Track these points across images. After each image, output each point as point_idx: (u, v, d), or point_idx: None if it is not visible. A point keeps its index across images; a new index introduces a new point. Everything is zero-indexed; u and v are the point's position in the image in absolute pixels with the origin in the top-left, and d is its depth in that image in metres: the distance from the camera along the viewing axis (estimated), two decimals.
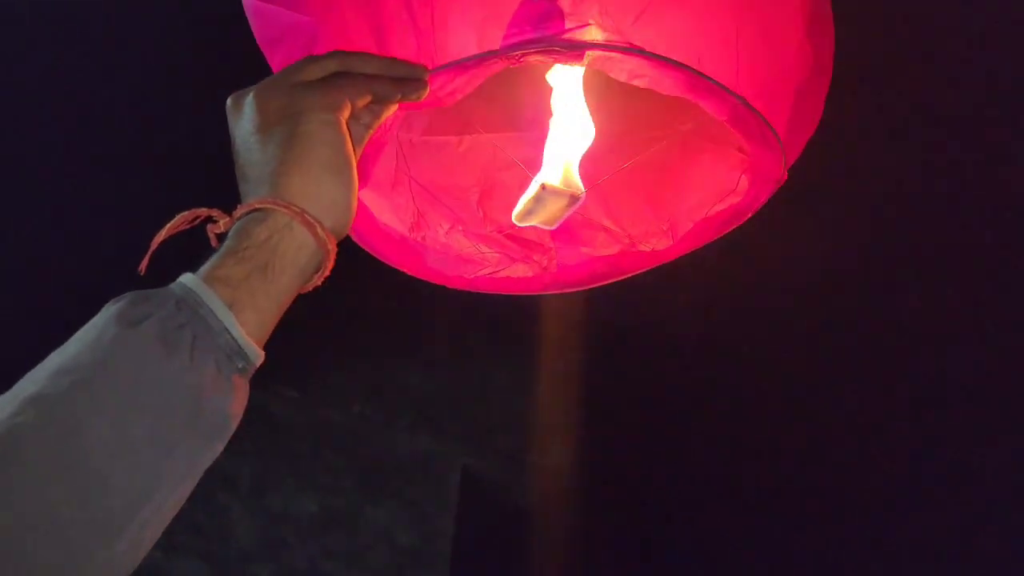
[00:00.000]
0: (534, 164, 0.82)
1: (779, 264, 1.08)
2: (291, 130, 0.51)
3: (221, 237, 0.51)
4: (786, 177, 0.69)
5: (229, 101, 0.54)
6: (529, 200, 0.66)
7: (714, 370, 1.27)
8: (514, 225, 0.81)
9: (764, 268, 1.11)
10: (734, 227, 0.73)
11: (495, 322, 1.65)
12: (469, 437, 1.85)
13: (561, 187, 0.66)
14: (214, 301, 0.46)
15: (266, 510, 1.82)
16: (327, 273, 0.53)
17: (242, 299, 0.47)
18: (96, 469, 0.41)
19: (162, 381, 0.43)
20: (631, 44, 0.54)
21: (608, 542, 1.54)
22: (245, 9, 0.65)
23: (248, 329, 0.47)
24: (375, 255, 0.73)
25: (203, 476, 0.47)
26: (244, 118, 0.53)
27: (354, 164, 0.54)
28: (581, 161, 0.70)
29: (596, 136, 0.70)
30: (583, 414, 1.77)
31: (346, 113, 0.54)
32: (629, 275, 0.78)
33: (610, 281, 0.79)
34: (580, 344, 1.63)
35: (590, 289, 0.81)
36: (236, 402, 0.47)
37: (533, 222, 0.69)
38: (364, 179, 0.64)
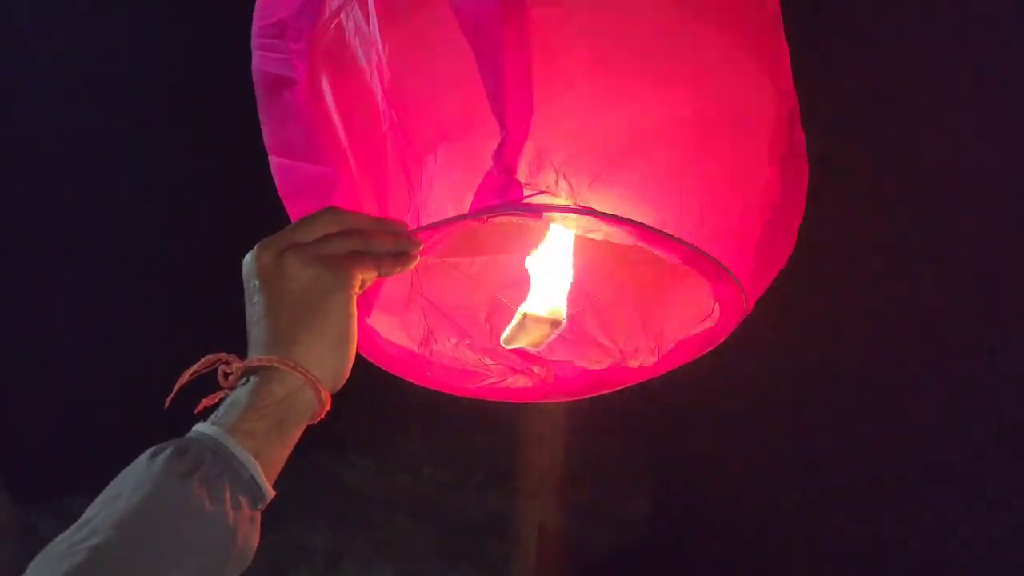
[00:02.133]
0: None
1: None
2: (315, 305, 0.62)
3: (226, 374, 0.62)
4: (751, 308, 0.75)
5: (263, 255, 0.64)
6: (514, 327, 0.75)
7: (798, 414, 1.26)
8: None
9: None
10: (710, 349, 0.80)
11: None
12: (542, 493, 1.85)
13: (543, 315, 0.74)
14: (243, 454, 0.57)
15: None
16: (317, 421, 0.64)
17: (263, 450, 0.59)
18: None
19: (208, 525, 0.54)
20: (581, 206, 0.63)
21: None
22: (270, 166, 0.76)
23: (266, 473, 0.58)
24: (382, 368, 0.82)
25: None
26: (275, 278, 0.63)
27: (355, 338, 0.64)
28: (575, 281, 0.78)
29: (591, 255, 0.79)
30: (658, 461, 1.75)
31: (357, 290, 0.64)
32: (617, 388, 0.85)
33: (599, 393, 0.86)
34: (650, 390, 1.62)
35: None
36: (257, 535, 0.58)
37: (519, 346, 0.77)
38: (371, 306, 0.75)
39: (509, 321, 0.92)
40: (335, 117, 0.75)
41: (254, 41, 0.81)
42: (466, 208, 0.65)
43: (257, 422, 0.59)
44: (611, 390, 0.85)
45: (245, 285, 0.65)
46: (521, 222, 0.65)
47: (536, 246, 0.83)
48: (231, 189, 1.43)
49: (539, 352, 0.89)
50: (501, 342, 0.76)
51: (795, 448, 1.25)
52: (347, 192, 0.73)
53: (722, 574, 1.43)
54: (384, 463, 1.93)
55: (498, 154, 0.62)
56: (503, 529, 1.87)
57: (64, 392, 1.76)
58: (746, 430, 1.39)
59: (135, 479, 0.55)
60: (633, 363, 0.85)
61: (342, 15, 0.74)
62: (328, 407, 0.63)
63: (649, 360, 0.84)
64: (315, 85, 0.77)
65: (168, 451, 0.56)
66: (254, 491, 0.57)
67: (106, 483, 0.56)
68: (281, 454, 0.60)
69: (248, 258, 0.65)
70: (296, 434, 0.61)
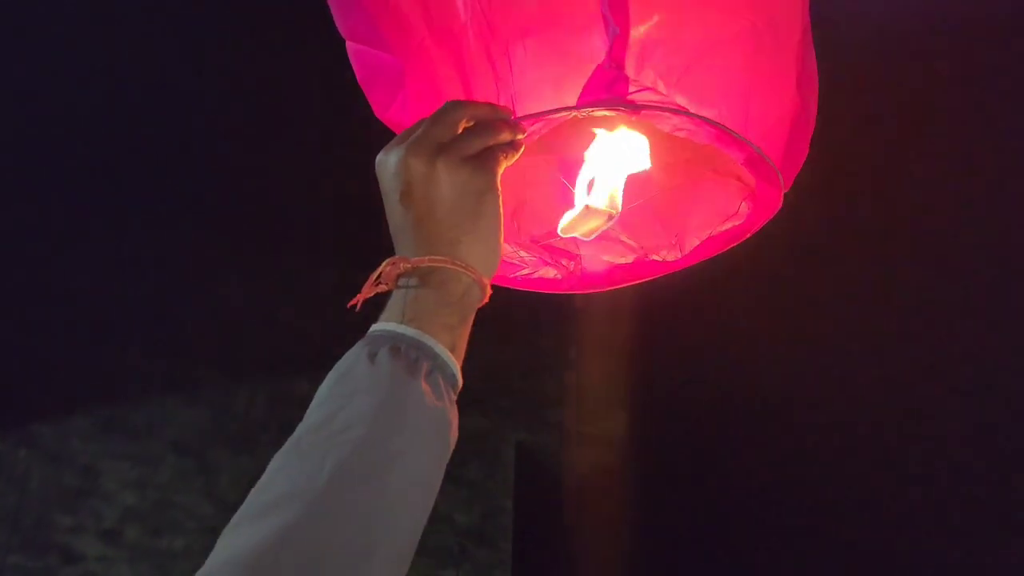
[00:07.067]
0: (560, 184, 0.96)
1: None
2: (472, 208, 0.65)
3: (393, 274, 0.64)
4: (781, 205, 0.84)
5: (413, 161, 0.64)
6: (575, 217, 0.80)
7: (767, 333, 1.33)
8: (545, 235, 0.95)
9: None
10: (736, 244, 0.88)
11: (537, 296, 1.73)
12: (520, 412, 1.85)
13: (601, 207, 0.80)
14: (443, 351, 0.61)
15: None
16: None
17: (456, 344, 0.63)
18: (404, 499, 0.55)
19: (437, 419, 0.58)
20: (678, 106, 0.68)
21: (663, 508, 1.60)
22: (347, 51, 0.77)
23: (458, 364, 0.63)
24: None
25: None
26: (430, 183, 0.64)
27: (503, 231, 0.68)
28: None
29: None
30: (633, 383, 1.82)
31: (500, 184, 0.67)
32: (643, 280, 0.92)
33: (626, 284, 0.93)
34: (624, 314, 1.69)
35: None
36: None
37: (574, 234, 0.82)
38: None
39: (533, 216, 0.98)
40: (408, 6, 0.76)
41: None
42: (565, 99, 0.69)
43: (450, 317, 0.62)
44: (636, 282, 0.93)
45: (388, 188, 0.65)
46: (615, 116, 0.70)
47: (565, 143, 0.88)
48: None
49: (566, 247, 0.96)
50: (559, 230, 0.81)
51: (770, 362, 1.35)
52: (426, 80, 0.75)
53: (699, 493, 1.55)
54: None
55: (609, 49, 0.66)
56: (482, 448, 1.89)
57: (27, 318, 1.64)
58: (723, 352, 1.49)
59: (366, 379, 0.57)
60: (656, 257, 0.93)
61: None
62: (488, 299, 0.67)
63: (672, 255, 0.92)
64: None
65: (384, 350, 0.58)
66: (455, 383, 0.62)
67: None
68: (464, 346, 0.64)
69: (392, 162, 0.65)
70: (470, 327, 0.65)
